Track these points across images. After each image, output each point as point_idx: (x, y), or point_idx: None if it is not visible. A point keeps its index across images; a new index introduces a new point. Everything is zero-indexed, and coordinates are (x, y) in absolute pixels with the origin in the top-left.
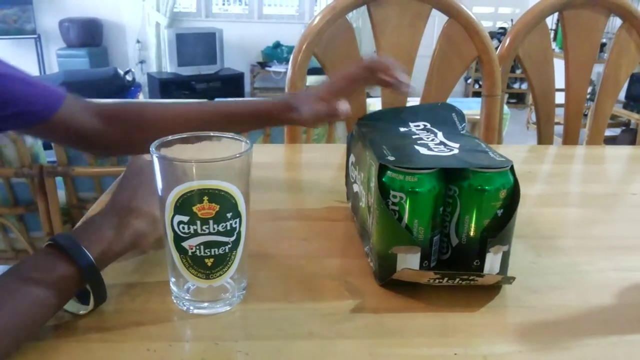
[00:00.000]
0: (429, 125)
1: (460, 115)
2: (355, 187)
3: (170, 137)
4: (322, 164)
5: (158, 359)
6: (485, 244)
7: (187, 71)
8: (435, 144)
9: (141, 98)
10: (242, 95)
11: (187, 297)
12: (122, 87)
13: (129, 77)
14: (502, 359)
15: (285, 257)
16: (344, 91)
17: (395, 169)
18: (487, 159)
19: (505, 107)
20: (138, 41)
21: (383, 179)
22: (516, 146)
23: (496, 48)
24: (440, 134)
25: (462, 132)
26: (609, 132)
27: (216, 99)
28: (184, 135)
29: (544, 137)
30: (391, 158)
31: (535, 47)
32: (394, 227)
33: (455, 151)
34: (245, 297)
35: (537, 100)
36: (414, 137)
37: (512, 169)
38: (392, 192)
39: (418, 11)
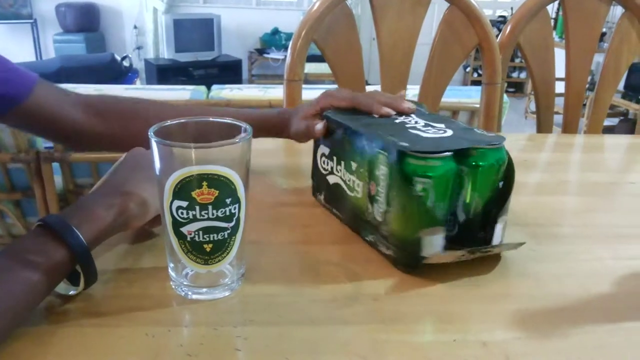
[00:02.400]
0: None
1: (421, 106)
2: (333, 179)
3: (169, 122)
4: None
5: (157, 344)
6: (488, 216)
7: (184, 57)
8: (423, 126)
9: (138, 84)
10: (239, 82)
11: (185, 283)
12: (119, 72)
13: (126, 63)
14: (501, 345)
15: (284, 243)
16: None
17: (416, 155)
18: (483, 137)
19: (505, 95)
20: (135, 27)
21: (402, 166)
22: (515, 134)
23: (496, 36)
24: (413, 116)
25: (423, 110)
26: (607, 122)
27: (214, 85)
28: (183, 119)
29: (543, 126)
30: (405, 144)
31: (536, 36)
32: (420, 211)
33: (450, 132)
34: (244, 283)
35: (537, 89)
36: (396, 121)
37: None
38: (415, 178)
39: None
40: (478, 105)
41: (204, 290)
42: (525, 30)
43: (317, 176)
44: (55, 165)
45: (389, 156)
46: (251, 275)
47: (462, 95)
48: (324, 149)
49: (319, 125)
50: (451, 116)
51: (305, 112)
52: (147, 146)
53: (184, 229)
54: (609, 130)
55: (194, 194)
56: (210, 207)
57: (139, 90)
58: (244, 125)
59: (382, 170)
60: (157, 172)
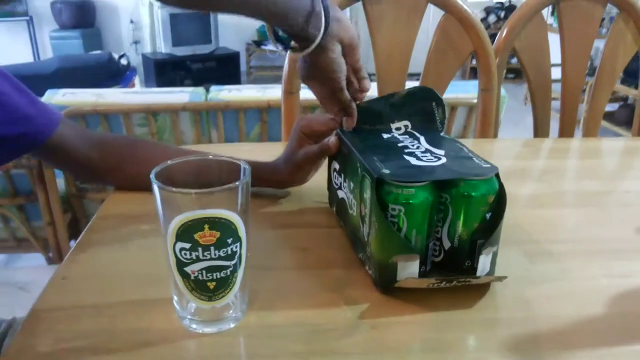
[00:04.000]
0: (410, 127)
1: (440, 103)
2: (341, 194)
3: (169, 162)
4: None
5: None
6: (475, 246)
7: (182, 51)
8: (422, 152)
9: (137, 83)
10: (238, 75)
11: (190, 317)
12: (116, 71)
13: (123, 62)
14: None
15: (286, 268)
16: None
17: (392, 182)
18: (474, 167)
19: (502, 90)
20: (132, 21)
21: (380, 192)
22: (511, 140)
23: (494, 24)
24: (423, 139)
25: (441, 132)
26: (607, 108)
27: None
28: (183, 159)
29: (540, 129)
30: (386, 171)
31: (532, 40)
32: (394, 238)
33: (443, 160)
34: (248, 312)
35: (533, 93)
36: (399, 145)
37: (497, 175)
38: (390, 205)
39: (413, 6)
40: (476, 101)
41: (209, 323)
42: (521, 35)
43: (330, 189)
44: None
45: (370, 180)
46: (254, 303)
47: (459, 90)
48: (335, 165)
49: (332, 139)
50: (449, 112)
51: (292, 147)
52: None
53: (188, 269)
54: (610, 116)
55: (196, 236)
56: (212, 247)
57: (138, 94)
58: (242, 164)
59: (367, 194)
60: (160, 215)
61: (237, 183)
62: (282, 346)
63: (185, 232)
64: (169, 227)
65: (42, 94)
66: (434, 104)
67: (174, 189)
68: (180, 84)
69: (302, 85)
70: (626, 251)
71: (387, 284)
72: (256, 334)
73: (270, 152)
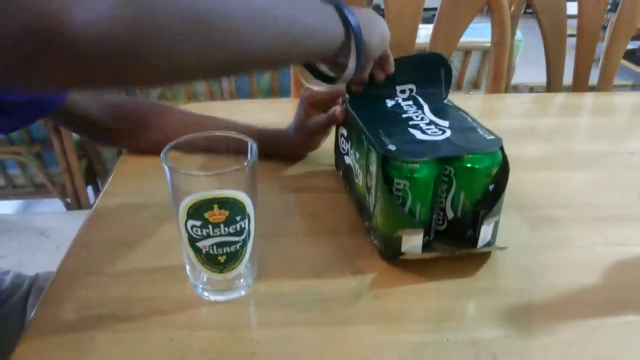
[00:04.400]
0: (414, 91)
1: (448, 72)
2: (348, 160)
3: (177, 140)
4: None
5: (180, 350)
6: (477, 216)
7: None
8: (426, 124)
9: None
10: None
11: (202, 286)
12: None
13: None
14: (489, 344)
15: (294, 235)
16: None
17: (398, 158)
18: (477, 140)
19: (519, 32)
20: None
21: (386, 167)
22: (522, 96)
23: None
24: (426, 108)
25: (445, 98)
26: (628, 46)
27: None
28: (191, 137)
29: (553, 84)
30: (392, 147)
31: None
32: (398, 212)
33: (448, 133)
34: (258, 279)
35: (547, 45)
36: (404, 116)
37: (501, 147)
38: (395, 180)
39: None
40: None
41: (221, 291)
42: None
43: (337, 153)
44: None
45: (376, 155)
46: (263, 271)
47: (475, 33)
48: (343, 130)
49: (338, 109)
50: (463, 57)
51: (300, 118)
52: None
53: (199, 244)
54: (630, 54)
55: (206, 215)
56: (222, 225)
57: None
58: (250, 142)
59: (373, 167)
60: (171, 194)
61: (245, 164)
62: (289, 315)
63: (196, 211)
64: (180, 206)
65: None
66: (441, 70)
67: (183, 171)
68: None
69: None
70: (627, 218)
71: (391, 255)
72: (265, 302)
73: (280, 110)
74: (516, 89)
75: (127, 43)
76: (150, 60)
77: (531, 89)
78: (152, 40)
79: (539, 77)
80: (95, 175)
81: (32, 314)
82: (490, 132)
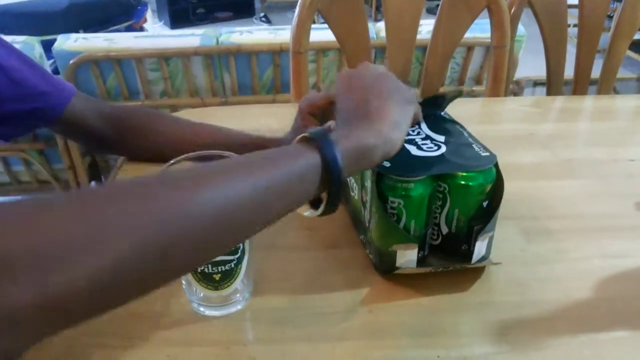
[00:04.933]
0: None
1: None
2: None
3: (180, 158)
4: None
5: None
6: (471, 231)
7: None
8: (422, 139)
9: (149, 16)
10: (251, 2)
11: (198, 301)
12: (127, 7)
13: None
14: None
15: (290, 248)
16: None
17: (392, 177)
18: (472, 157)
19: (521, 27)
20: None
21: (380, 185)
22: (521, 99)
23: None
24: (423, 124)
25: (443, 113)
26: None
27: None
28: (194, 154)
29: (552, 88)
30: (386, 164)
31: None
32: (393, 229)
33: (443, 149)
34: (254, 294)
35: (547, 48)
36: None
37: (496, 164)
38: (390, 198)
39: None
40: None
41: (217, 307)
42: None
43: None
44: None
45: (371, 172)
46: (260, 284)
47: (477, 29)
48: None
49: (333, 123)
50: (466, 53)
51: (298, 127)
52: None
53: None
54: (636, 45)
55: None
56: None
57: (150, 39)
58: None
59: (368, 184)
60: None
61: None
62: (285, 330)
63: None
64: None
65: (54, 32)
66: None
67: None
68: (193, 13)
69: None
70: (623, 229)
71: (386, 269)
72: (261, 317)
73: (280, 114)
74: (518, 84)
75: None
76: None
77: (535, 83)
78: None
79: (542, 70)
80: (98, 172)
81: None
82: (486, 149)
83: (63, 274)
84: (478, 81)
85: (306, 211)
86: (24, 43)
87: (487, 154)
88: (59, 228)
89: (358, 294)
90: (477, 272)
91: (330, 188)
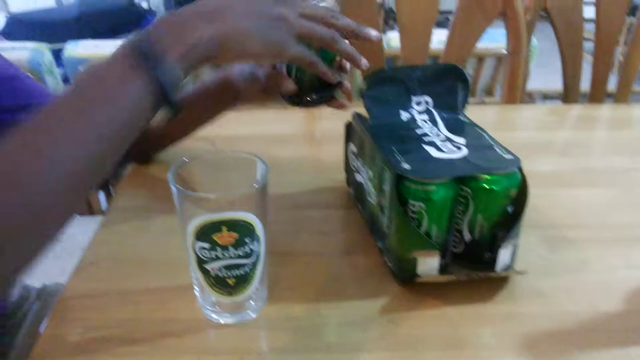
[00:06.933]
0: (430, 104)
1: (465, 86)
2: (359, 177)
3: (186, 160)
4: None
5: None
6: (495, 238)
7: None
8: (442, 141)
9: None
10: None
11: (211, 308)
12: (137, 15)
13: (144, 5)
14: None
15: (304, 254)
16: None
17: (412, 179)
18: (495, 159)
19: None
20: None
21: (400, 188)
22: (537, 107)
23: None
24: (442, 125)
25: (461, 116)
26: None
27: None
28: (199, 155)
29: (569, 95)
30: (406, 166)
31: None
32: (414, 234)
33: (465, 151)
34: (269, 301)
35: (564, 56)
36: (418, 132)
37: (520, 167)
38: (410, 201)
39: None
40: (505, 52)
41: (231, 314)
42: None
43: (348, 171)
44: None
45: (390, 175)
46: (275, 291)
47: (488, 39)
48: (352, 147)
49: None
50: (477, 64)
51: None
52: None
53: (207, 266)
54: None
55: (214, 237)
56: (231, 247)
57: None
58: (259, 162)
59: (387, 186)
60: (179, 215)
61: (255, 186)
62: (300, 340)
63: (204, 233)
64: (188, 228)
65: (64, 40)
66: (459, 84)
67: (192, 193)
68: None
69: None
70: None
71: (406, 277)
72: (275, 326)
73: (293, 120)
74: (530, 96)
75: None
76: None
77: (545, 96)
78: None
79: (553, 83)
80: (107, 181)
81: (40, 333)
82: (508, 151)
83: None
84: (489, 92)
85: None
86: (35, 50)
87: (511, 156)
88: None
89: (376, 302)
90: (500, 282)
91: (168, 108)
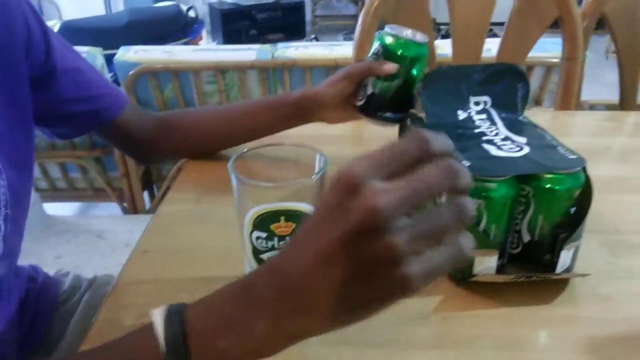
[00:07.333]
0: (489, 104)
1: (525, 86)
2: None
3: (246, 151)
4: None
5: None
6: (556, 239)
7: (247, 1)
8: (502, 140)
9: (204, 35)
10: (303, 25)
11: None
12: (184, 24)
13: (191, 14)
14: None
15: None
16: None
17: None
18: (559, 159)
19: None
20: None
21: None
22: (593, 113)
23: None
24: (501, 125)
25: (521, 117)
26: None
27: (280, 44)
28: (259, 146)
29: (627, 102)
30: (465, 163)
31: (624, 3)
32: (472, 232)
33: (526, 149)
34: None
35: (622, 62)
36: (476, 131)
37: (584, 168)
38: None
39: None
40: (556, 60)
41: None
42: None
43: None
44: None
45: None
46: None
47: (537, 48)
48: None
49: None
50: (525, 72)
51: (331, 79)
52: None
53: (264, 256)
54: None
55: (272, 227)
56: (287, 238)
57: (207, 52)
58: (318, 155)
59: None
60: (237, 204)
61: (313, 177)
62: (349, 334)
63: (262, 223)
64: (246, 217)
65: (113, 46)
66: (518, 84)
67: (251, 182)
68: (246, 34)
69: None
70: None
71: (462, 276)
72: None
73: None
74: (580, 106)
75: None
76: None
77: (591, 107)
78: None
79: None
80: (151, 181)
81: (95, 317)
82: (572, 152)
83: None
84: (538, 102)
85: None
86: (88, 53)
87: (575, 156)
88: None
89: (430, 301)
90: (559, 284)
91: None
